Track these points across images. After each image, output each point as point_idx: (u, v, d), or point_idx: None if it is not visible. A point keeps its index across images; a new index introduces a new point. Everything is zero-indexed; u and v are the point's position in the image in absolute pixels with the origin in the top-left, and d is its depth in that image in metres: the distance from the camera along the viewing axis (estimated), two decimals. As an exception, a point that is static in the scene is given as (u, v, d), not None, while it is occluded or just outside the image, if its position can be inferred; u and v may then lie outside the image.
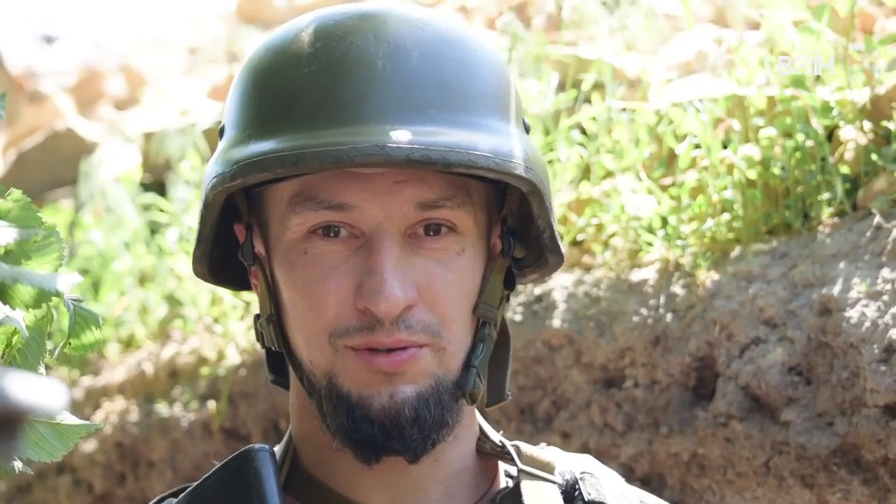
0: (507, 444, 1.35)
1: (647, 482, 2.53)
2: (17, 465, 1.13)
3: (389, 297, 1.21)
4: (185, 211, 3.84)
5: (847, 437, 2.23)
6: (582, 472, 1.36)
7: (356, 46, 1.24)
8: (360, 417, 1.24)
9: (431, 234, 1.25)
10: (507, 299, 1.35)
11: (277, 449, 1.35)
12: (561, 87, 3.03)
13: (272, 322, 1.30)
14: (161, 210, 3.93)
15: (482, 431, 1.37)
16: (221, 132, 1.31)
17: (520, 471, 1.33)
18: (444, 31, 1.28)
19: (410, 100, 1.22)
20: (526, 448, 1.35)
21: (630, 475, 2.53)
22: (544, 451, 1.37)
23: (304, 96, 1.23)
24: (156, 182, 4.36)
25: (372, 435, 1.24)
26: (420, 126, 1.20)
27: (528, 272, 1.38)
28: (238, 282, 1.41)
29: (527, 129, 1.32)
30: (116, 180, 4.34)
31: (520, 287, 2.73)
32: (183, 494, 1.31)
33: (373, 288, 1.21)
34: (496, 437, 1.37)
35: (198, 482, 1.30)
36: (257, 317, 1.35)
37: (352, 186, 1.22)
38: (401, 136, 1.18)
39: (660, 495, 2.50)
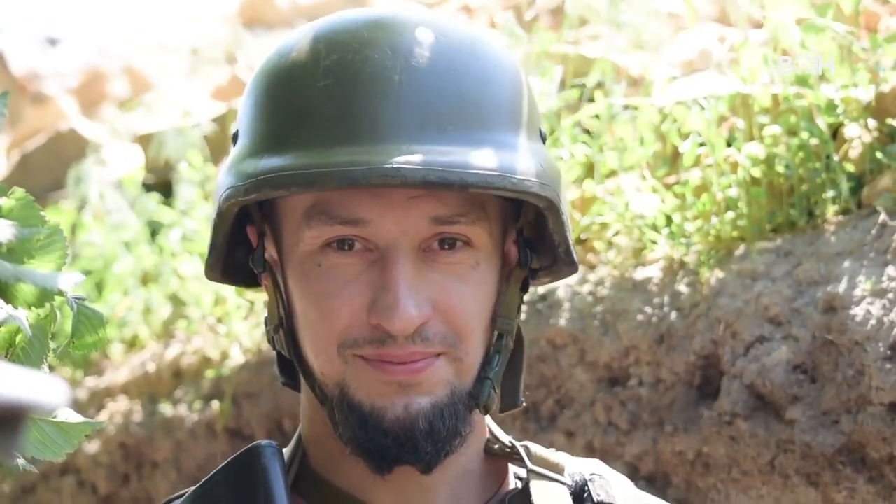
0: (517, 444, 1.35)
1: (651, 481, 2.53)
2: (21, 463, 1.12)
3: (403, 316, 1.20)
4: (186, 213, 3.84)
5: (852, 436, 2.22)
6: (591, 474, 1.35)
7: (372, 60, 1.22)
8: (373, 428, 1.23)
9: (446, 247, 1.24)
10: (522, 303, 1.34)
11: (287, 450, 1.35)
12: (564, 85, 3.03)
13: (281, 329, 1.30)
14: (166, 203, 3.93)
15: (491, 433, 1.36)
16: (234, 137, 1.30)
17: (529, 471, 1.33)
18: (460, 41, 1.26)
19: (427, 116, 1.21)
20: (535, 449, 1.35)
21: (635, 474, 2.52)
22: (554, 454, 1.37)
23: (319, 111, 1.22)
24: (159, 183, 4.36)
25: (386, 447, 1.23)
26: (436, 145, 1.19)
27: (542, 275, 1.38)
28: (249, 280, 1.40)
29: (543, 139, 1.31)
30: (119, 181, 4.34)
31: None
32: (191, 490, 1.31)
33: (387, 305, 1.21)
34: (505, 438, 1.36)
35: (205, 478, 1.30)
36: (267, 322, 1.34)
37: (367, 201, 1.22)
38: (418, 157, 1.17)
39: (664, 494, 2.50)
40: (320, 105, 1.22)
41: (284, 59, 1.28)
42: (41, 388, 0.66)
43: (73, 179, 4.46)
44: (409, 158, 1.17)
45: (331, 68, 1.23)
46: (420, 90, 1.21)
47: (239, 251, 1.35)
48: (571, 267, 1.34)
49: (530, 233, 1.33)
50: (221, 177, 1.27)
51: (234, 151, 1.29)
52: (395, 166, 1.16)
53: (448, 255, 1.24)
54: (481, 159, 1.19)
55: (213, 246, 1.32)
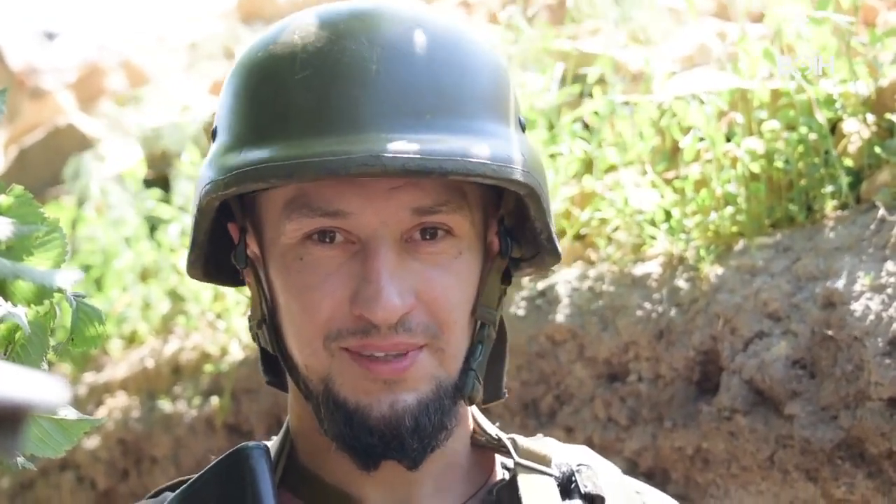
0: (504, 437, 1.35)
1: (651, 477, 2.53)
2: (20, 460, 1.12)
3: (386, 306, 1.20)
4: (184, 208, 3.84)
5: (851, 431, 2.22)
6: (578, 465, 1.35)
7: (349, 51, 1.22)
8: (358, 426, 1.23)
9: (428, 238, 1.24)
10: (504, 294, 1.34)
11: (274, 442, 1.35)
12: (563, 81, 3.03)
13: (265, 324, 1.30)
14: (164, 202, 3.93)
15: (478, 425, 1.36)
16: (214, 133, 1.30)
17: (516, 464, 1.33)
18: (439, 32, 1.26)
19: (405, 106, 1.20)
20: (522, 441, 1.35)
21: (634, 470, 2.52)
22: (541, 444, 1.37)
23: (297, 103, 1.22)
24: (158, 178, 4.36)
25: (371, 445, 1.23)
26: (415, 134, 1.19)
27: (525, 266, 1.38)
28: (233, 279, 1.40)
29: (523, 128, 1.31)
30: (118, 177, 4.34)
31: (523, 282, 2.73)
32: (178, 491, 1.30)
33: (369, 296, 1.20)
34: (492, 430, 1.37)
35: (193, 479, 1.30)
36: (251, 318, 1.34)
37: (347, 193, 1.22)
38: (396, 146, 1.17)
39: (664, 490, 2.49)
40: (299, 97, 1.22)
41: (262, 52, 1.27)
42: (41, 388, 0.66)
43: (71, 173, 4.45)
44: (388, 147, 1.17)
45: (308, 60, 1.23)
46: (397, 80, 1.21)
47: (221, 250, 1.35)
48: (554, 255, 1.33)
49: (511, 222, 1.33)
50: (202, 172, 1.27)
51: (214, 147, 1.28)
52: (373, 155, 1.16)
53: (430, 245, 1.24)
54: (460, 146, 1.19)
55: (193, 242, 1.31)
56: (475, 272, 1.28)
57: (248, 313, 1.36)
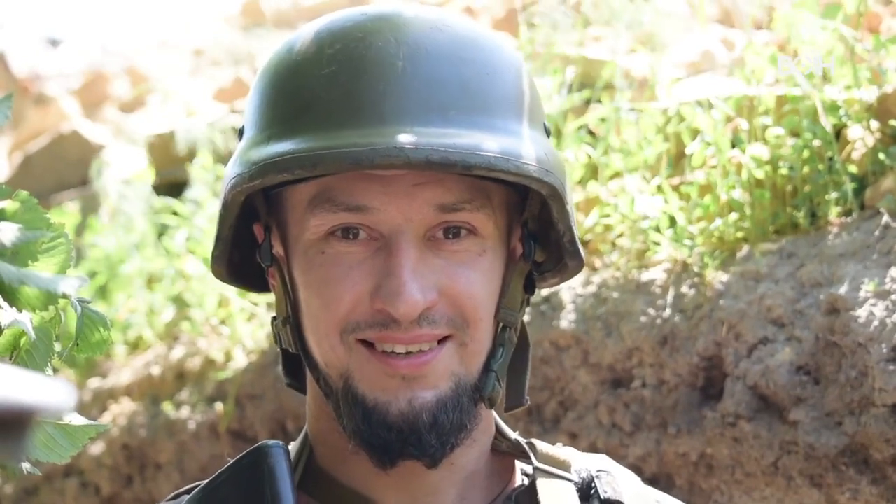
0: (523, 442, 1.35)
1: (655, 482, 2.53)
2: (26, 466, 1.12)
3: (408, 300, 1.20)
4: (194, 213, 3.83)
5: (855, 437, 2.22)
6: (598, 471, 1.35)
7: (375, 48, 1.23)
8: (376, 423, 1.23)
9: (451, 237, 1.24)
10: (527, 303, 1.34)
11: (293, 447, 1.35)
12: (569, 87, 3.03)
13: (288, 323, 1.30)
14: (173, 213, 3.93)
15: (498, 430, 1.37)
16: (241, 133, 1.31)
17: (535, 468, 1.33)
18: (463, 34, 1.27)
19: (429, 101, 1.21)
20: (542, 446, 1.35)
21: (638, 475, 2.51)
22: (560, 450, 1.37)
23: (323, 97, 1.23)
24: (163, 184, 4.36)
25: (389, 441, 1.23)
26: (439, 128, 1.20)
27: (549, 276, 1.38)
28: (257, 283, 1.40)
29: (547, 133, 1.31)
30: (125, 183, 4.34)
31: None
32: (197, 489, 1.31)
33: (391, 290, 1.21)
34: (512, 435, 1.37)
35: (212, 477, 1.30)
36: (274, 318, 1.34)
37: (371, 188, 1.22)
38: (420, 138, 1.18)
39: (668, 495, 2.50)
40: (325, 91, 1.23)
41: (289, 52, 1.29)
42: (49, 392, 0.66)
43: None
44: (413, 139, 1.18)
45: (335, 56, 1.24)
46: (423, 76, 1.22)
47: (245, 252, 1.35)
48: (577, 260, 1.33)
49: (535, 227, 1.33)
50: (228, 168, 1.28)
51: (240, 145, 1.30)
52: (397, 146, 1.17)
53: (453, 244, 1.24)
54: (484, 143, 1.20)
55: (218, 237, 1.32)
56: (498, 272, 1.28)
57: (273, 316, 1.36)
